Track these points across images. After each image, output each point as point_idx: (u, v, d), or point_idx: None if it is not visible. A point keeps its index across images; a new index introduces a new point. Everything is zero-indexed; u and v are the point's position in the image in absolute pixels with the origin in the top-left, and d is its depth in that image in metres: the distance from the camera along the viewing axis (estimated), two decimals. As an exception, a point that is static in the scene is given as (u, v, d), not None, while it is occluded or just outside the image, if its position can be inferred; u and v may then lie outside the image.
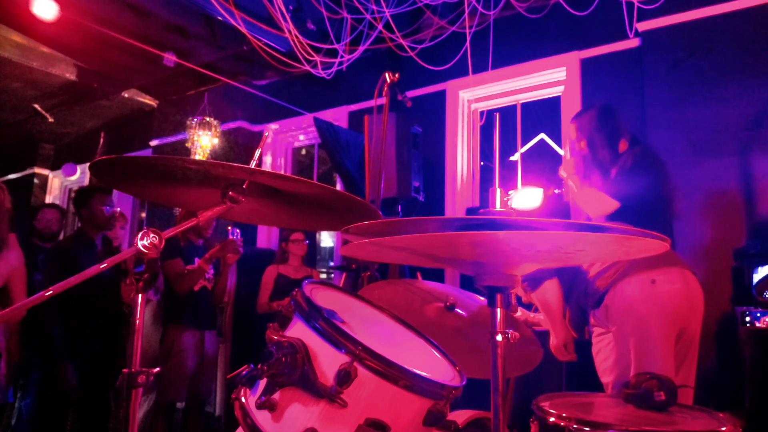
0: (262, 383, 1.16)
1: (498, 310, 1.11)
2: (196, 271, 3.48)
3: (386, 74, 2.73)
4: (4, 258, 2.98)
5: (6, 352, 3.12)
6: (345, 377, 1.08)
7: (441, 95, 5.02)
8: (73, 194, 7.90)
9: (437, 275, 4.34)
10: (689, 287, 2.02)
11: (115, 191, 3.92)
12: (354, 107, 5.55)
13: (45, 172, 8.84)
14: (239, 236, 3.53)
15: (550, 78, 4.58)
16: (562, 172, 2.50)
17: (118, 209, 3.68)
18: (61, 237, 4.54)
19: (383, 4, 4.09)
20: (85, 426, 3.41)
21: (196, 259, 3.55)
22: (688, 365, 2.07)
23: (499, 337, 1.10)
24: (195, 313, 3.53)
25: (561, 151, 4.86)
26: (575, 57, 4.34)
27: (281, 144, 6.27)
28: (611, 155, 2.31)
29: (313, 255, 6.25)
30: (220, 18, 4.50)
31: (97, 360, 3.37)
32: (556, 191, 2.75)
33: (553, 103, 4.75)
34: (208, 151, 5.89)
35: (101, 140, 7.86)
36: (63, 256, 3.39)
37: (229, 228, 3.56)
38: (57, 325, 3.24)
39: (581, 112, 2.52)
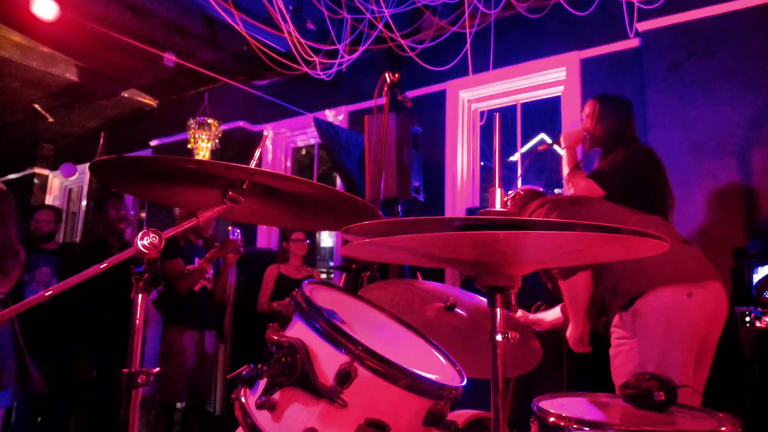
0: (262, 383, 1.16)
1: (498, 310, 1.11)
2: (197, 271, 3.49)
3: (386, 74, 2.73)
4: (19, 265, 2.96)
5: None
6: (345, 377, 1.08)
7: (441, 95, 5.02)
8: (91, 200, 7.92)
9: (437, 275, 4.34)
10: (721, 301, 2.00)
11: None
12: (354, 107, 5.55)
13: (45, 172, 8.84)
14: (239, 236, 3.53)
15: (550, 78, 4.58)
16: (562, 142, 2.62)
17: (132, 212, 3.72)
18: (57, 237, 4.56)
19: (383, 4, 4.09)
20: (90, 426, 3.42)
21: (196, 259, 3.55)
22: (701, 371, 2.07)
23: (499, 337, 1.10)
24: (195, 313, 3.54)
25: (561, 151, 4.86)
26: (575, 57, 4.34)
27: (281, 144, 6.27)
28: (610, 143, 2.45)
29: (313, 255, 6.25)
30: (220, 18, 4.50)
31: (109, 360, 3.39)
32: (556, 191, 2.80)
33: (554, 103, 4.75)
34: (208, 151, 5.89)
35: (101, 140, 7.86)
36: (76, 260, 3.43)
37: (230, 228, 3.57)
38: (75, 324, 3.28)
39: (605, 96, 2.62)
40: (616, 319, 2.05)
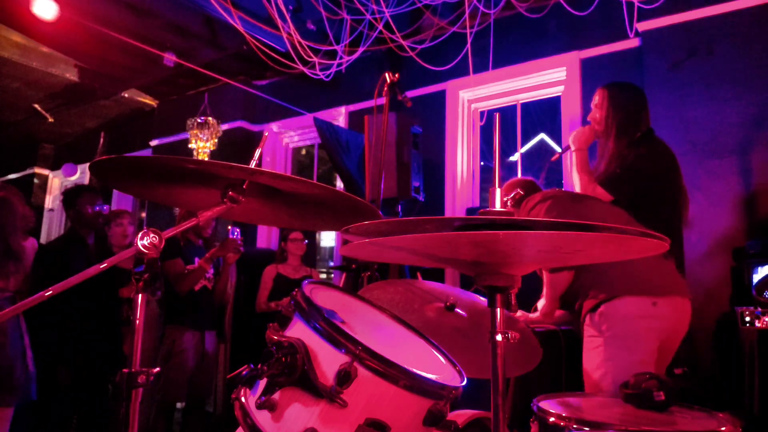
0: (262, 383, 1.16)
1: (498, 310, 1.11)
2: (197, 271, 3.49)
3: (386, 74, 2.73)
4: (23, 268, 2.97)
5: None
6: (345, 377, 1.08)
7: (441, 95, 5.02)
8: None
9: (437, 275, 4.34)
10: (683, 315, 2.10)
11: (115, 191, 3.94)
12: (354, 107, 5.55)
13: (45, 172, 8.84)
14: (239, 236, 3.53)
15: (550, 78, 4.58)
16: (572, 144, 2.50)
17: (106, 207, 3.71)
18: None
19: (383, 5, 4.09)
20: (86, 427, 3.42)
21: (196, 259, 3.55)
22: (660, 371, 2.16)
23: (499, 337, 1.10)
24: (195, 313, 3.54)
25: (554, 152, 4.86)
26: (575, 57, 4.34)
27: (281, 144, 6.27)
28: (620, 138, 2.34)
29: (313, 255, 6.24)
30: (220, 18, 4.50)
31: (96, 360, 3.39)
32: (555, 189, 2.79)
33: (553, 103, 4.75)
34: (208, 151, 5.89)
35: (101, 140, 7.86)
36: (53, 256, 3.42)
37: (229, 227, 3.58)
38: (54, 327, 3.27)
39: (614, 83, 2.51)
40: (587, 318, 2.15)
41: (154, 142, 7.02)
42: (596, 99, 2.48)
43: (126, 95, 6.95)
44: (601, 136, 2.45)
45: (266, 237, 6.08)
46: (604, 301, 2.07)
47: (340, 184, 5.16)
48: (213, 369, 3.79)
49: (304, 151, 6.80)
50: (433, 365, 1.35)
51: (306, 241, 4.31)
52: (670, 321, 2.06)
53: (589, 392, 2.04)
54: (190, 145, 5.89)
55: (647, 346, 2.02)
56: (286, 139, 6.26)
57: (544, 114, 5.52)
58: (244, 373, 1.22)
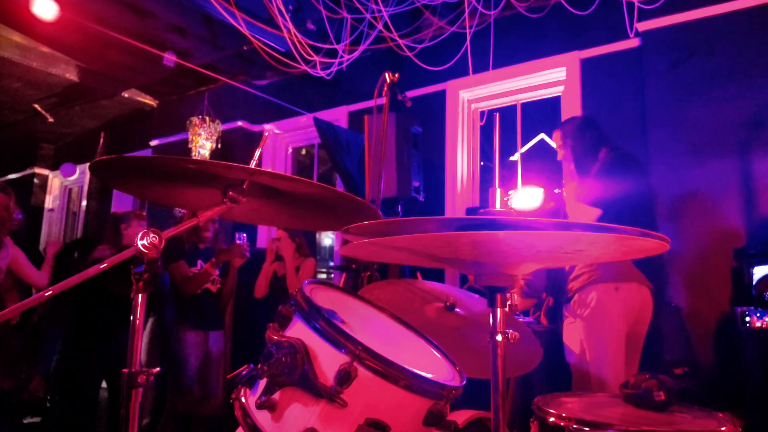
0: (262, 383, 1.16)
1: (498, 310, 1.11)
2: (203, 275, 3.50)
3: (386, 74, 2.74)
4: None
5: None
6: (345, 377, 1.08)
7: (441, 95, 5.02)
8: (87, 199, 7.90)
9: (437, 275, 4.33)
10: (642, 298, 2.51)
11: (115, 191, 3.96)
12: (354, 107, 5.55)
13: (45, 172, 8.84)
14: (246, 240, 3.56)
15: (550, 78, 4.58)
16: (566, 195, 2.82)
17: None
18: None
19: (381, 5, 4.09)
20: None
21: (199, 262, 3.57)
22: (634, 359, 2.55)
23: (499, 337, 1.10)
24: (198, 314, 3.55)
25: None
26: (575, 57, 4.34)
27: (281, 144, 6.27)
28: (592, 160, 2.70)
29: (313, 255, 6.21)
30: (220, 18, 4.50)
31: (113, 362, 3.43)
32: (556, 191, 2.88)
33: (553, 103, 4.75)
34: (208, 151, 5.89)
35: (101, 140, 7.86)
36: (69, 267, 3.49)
37: (236, 233, 3.62)
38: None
39: (566, 122, 2.94)
40: (564, 310, 2.60)
41: (154, 142, 7.02)
42: (558, 141, 2.87)
43: (126, 95, 6.94)
44: (574, 165, 2.81)
45: (266, 237, 6.08)
46: (577, 292, 2.51)
47: (340, 184, 5.15)
48: (219, 369, 3.76)
49: (304, 151, 6.79)
50: (433, 365, 1.35)
51: (284, 235, 4.12)
52: (632, 303, 2.46)
53: (588, 392, 2.16)
54: (190, 146, 5.89)
55: (614, 323, 2.42)
56: (286, 139, 6.26)
57: (544, 114, 5.51)
58: (244, 373, 1.22)
